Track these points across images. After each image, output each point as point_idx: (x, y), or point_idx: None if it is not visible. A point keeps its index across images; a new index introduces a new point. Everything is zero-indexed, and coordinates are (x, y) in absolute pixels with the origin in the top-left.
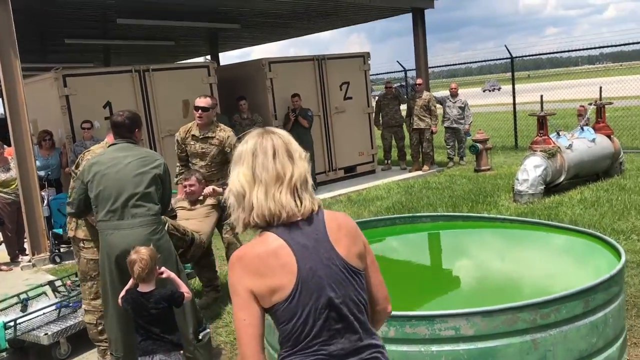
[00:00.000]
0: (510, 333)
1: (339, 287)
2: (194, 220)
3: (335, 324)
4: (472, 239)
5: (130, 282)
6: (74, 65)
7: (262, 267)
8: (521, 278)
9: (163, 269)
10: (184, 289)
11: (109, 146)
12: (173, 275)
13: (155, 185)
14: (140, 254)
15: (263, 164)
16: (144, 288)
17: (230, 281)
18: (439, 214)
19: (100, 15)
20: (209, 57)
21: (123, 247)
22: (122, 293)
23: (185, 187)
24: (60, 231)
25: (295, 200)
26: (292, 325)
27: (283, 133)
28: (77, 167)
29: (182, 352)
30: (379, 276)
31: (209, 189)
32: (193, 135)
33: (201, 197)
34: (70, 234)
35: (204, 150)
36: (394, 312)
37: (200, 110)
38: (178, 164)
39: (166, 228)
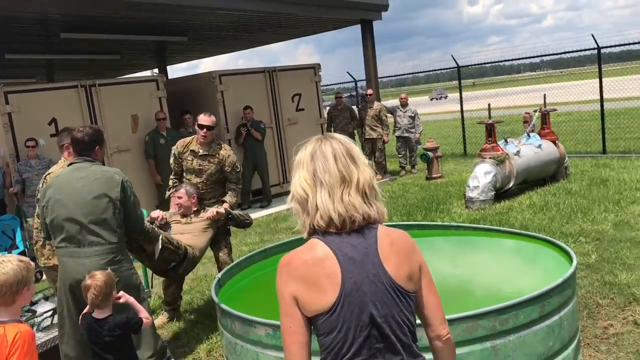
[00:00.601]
0: (471, 341)
1: (382, 305)
2: (188, 235)
3: (376, 343)
4: (428, 247)
5: (88, 306)
6: (16, 81)
7: (307, 274)
8: (477, 284)
9: (121, 293)
10: (143, 314)
11: (68, 165)
12: (132, 299)
13: (113, 209)
14: (95, 280)
15: (324, 167)
16: (98, 314)
17: (277, 286)
18: (394, 223)
19: (43, 29)
20: (156, 70)
21: (77, 277)
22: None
23: (175, 199)
24: (4, 254)
25: (367, 205)
26: (332, 338)
27: (344, 138)
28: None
29: None
30: (436, 299)
31: (212, 213)
32: (192, 151)
33: (195, 209)
34: (48, 263)
35: (201, 167)
36: None
37: (205, 129)
38: (172, 177)
39: (160, 241)
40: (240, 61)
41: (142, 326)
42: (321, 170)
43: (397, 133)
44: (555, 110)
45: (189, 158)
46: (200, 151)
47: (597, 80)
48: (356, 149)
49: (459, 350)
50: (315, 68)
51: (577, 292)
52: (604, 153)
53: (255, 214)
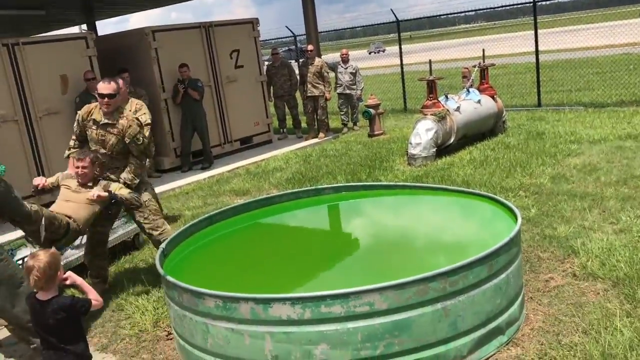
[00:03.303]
0: (422, 303)
1: None
2: (72, 204)
3: None
4: (375, 208)
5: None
6: None
7: None
8: (426, 244)
9: (69, 273)
10: (92, 295)
11: None
12: (80, 280)
13: None
14: (37, 261)
15: None
16: (42, 295)
17: None
18: (341, 184)
19: None
20: (84, 26)
21: None
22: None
23: (77, 167)
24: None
25: None
26: None
27: None
28: None
29: None
30: None
31: (93, 193)
32: (94, 120)
33: (90, 184)
34: None
35: (103, 138)
36: (308, 294)
37: (107, 98)
38: (73, 138)
39: (43, 221)
40: (173, 14)
41: (91, 308)
42: None
43: (339, 90)
44: (493, 65)
45: (92, 127)
46: (102, 120)
47: (530, 32)
48: None
49: (411, 314)
50: (253, 23)
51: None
52: (539, 106)
53: (197, 176)
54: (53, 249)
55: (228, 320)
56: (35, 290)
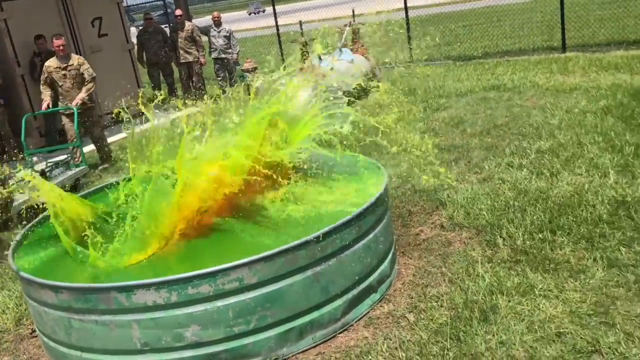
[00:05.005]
0: (292, 272)
1: None
2: None
3: None
4: None
5: None
6: None
7: None
8: (296, 210)
9: None
10: None
11: None
12: None
13: None
14: None
15: None
16: None
17: None
18: None
19: None
20: None
21: None
22: None
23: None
24: None
25: None
26: None
27: None
28: None
29: None
30: None
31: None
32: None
33: None
34: None
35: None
36: (172, 277)
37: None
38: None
39: None
40: None
41: None
42: None
43: (214, 55)
44: (363, 24)
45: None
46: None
47: None
48: None
49: (282, 284)
50: None
51: (392, 203)
52: (411, 62)
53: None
54: None
55: (90, 312)
56: None
